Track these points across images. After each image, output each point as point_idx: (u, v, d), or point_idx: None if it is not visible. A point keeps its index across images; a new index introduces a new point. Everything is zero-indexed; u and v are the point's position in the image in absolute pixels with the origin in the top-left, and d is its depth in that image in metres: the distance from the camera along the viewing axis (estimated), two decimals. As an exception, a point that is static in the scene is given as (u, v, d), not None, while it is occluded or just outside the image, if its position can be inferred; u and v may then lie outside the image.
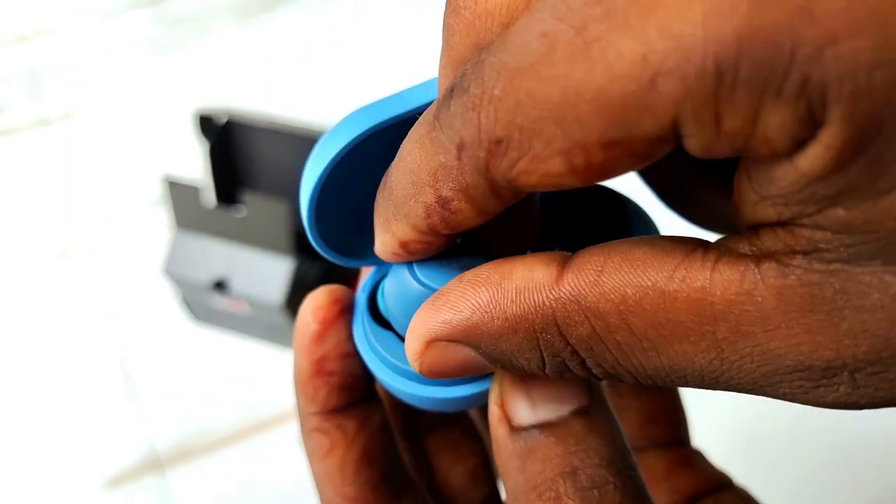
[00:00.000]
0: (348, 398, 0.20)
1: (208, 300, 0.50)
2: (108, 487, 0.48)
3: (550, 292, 0.13)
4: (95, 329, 0.54)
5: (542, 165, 0.12)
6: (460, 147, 0.13)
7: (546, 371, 0.14)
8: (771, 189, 0.11)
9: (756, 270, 0.12)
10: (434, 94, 0.17)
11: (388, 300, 0.18)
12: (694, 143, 0.11)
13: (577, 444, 0.15)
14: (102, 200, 0.61)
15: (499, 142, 0.12)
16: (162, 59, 0.71)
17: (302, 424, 0.21)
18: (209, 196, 0.49)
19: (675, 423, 0.24)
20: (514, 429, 0.16)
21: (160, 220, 0.58)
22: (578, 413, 0.16)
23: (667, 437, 0.23)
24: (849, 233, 0.11)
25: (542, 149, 0.11)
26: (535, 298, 0.13)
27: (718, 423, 0.46)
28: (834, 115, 0.10)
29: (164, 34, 0.72)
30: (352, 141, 0.17)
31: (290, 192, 0.48)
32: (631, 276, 0.13)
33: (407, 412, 0.23)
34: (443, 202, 0.14)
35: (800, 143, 0.10)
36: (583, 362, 0.14)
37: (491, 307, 0.14)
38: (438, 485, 0.23)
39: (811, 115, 0.10)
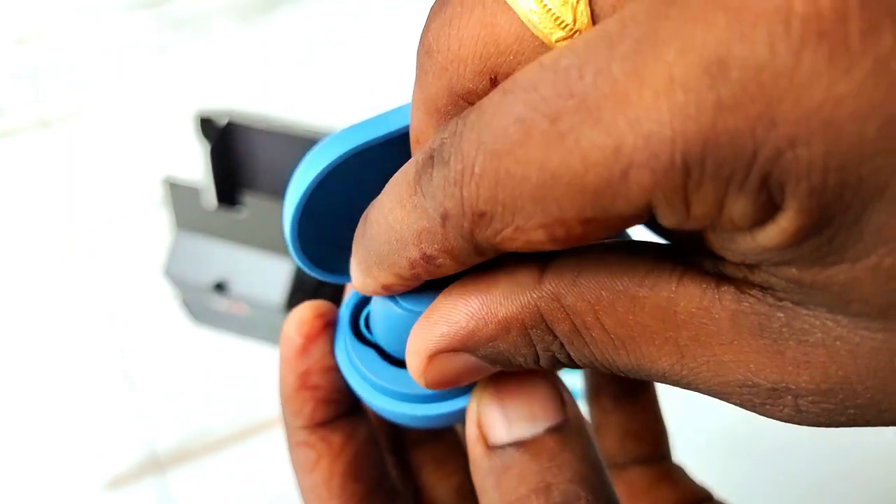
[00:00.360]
0: (334, 412, 0.20)
1: (208, 301, 0.51)
2: (109, 488, 0.48)
3: (534, 291, 0.14)
4: (95, 330, 0.55)
5: (524, 235, 0.12)
6: (444, 217, 0.13)
7: (541, 364, 0.15)
8: (732, 247, 0.12)
9: (715, 291, 0.13)
10: None
11: (376, 326, 0.19)
12: (665, 221, 0.12)
13: (551, 461, 0.16)
14: (103, 202, 0.62)
15: (482, 214, 0.12)
16: (162, 60, 0.71)
17: (288, 438, 0.21)
18: (210, 197, 0.49)
19: (655, 438, 0.24)
20: (491, 447, 0.16)
21: (160, 222, 0.59)
22: (553, 430, 0.16)
23: (648, 453, 0.24)
24: (799, 285, 0.12)
25: (524, 222, 0.12)
26: (522, 298, 0.14)
27: (706, 434, 0.46)
28: (790, 205, 0.10)
29: (164, 35, 0.73)
30: (333, 161, 0.17)
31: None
32: (605, 279, 0.14)
33: (393, 427, 0.23)
34: (427, 259, 0.14)
35: (760, 222, 0.11)
36: (569, 355, 0.15)
37: (483, 312, 0.15)
38: (424, 500, 0.23)
39: (771, 201, 0.11)
